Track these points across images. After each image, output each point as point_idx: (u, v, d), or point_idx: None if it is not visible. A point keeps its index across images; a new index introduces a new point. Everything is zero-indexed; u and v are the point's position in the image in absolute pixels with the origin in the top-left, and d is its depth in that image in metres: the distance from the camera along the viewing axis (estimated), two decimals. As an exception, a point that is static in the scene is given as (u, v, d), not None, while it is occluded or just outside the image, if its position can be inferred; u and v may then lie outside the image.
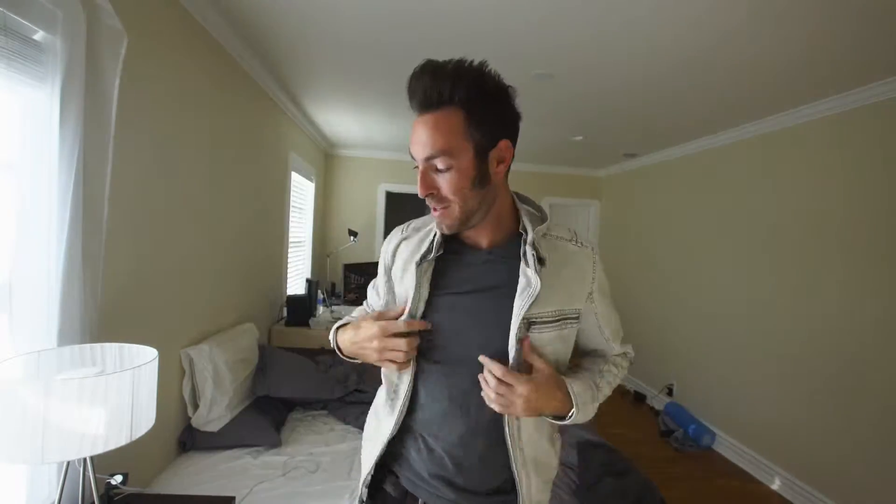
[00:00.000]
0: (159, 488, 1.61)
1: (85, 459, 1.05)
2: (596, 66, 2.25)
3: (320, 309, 3.64)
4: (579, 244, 0.83)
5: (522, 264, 0.75)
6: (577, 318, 0.82)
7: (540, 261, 0.74)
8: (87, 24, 1.15)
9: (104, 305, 1.32)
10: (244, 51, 2.30)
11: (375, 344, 0.76)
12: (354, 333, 0.82)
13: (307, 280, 3.80)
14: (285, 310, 3.32)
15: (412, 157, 0.73)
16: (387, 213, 5.00)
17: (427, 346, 0.79)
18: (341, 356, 0.90)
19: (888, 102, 2.18)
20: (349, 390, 2.36)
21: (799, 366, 2.60)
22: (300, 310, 3.23)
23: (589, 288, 0.82)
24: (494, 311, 0.76)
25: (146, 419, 1.05)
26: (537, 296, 0.72)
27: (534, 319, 0.75)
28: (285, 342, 3.06)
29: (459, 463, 0.80)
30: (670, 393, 3.71)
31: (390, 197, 5.03)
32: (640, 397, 4.03)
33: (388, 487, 0.87)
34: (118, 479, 1.32)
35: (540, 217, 0.83)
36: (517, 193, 0.86)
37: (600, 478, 1.88)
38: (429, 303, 0.79)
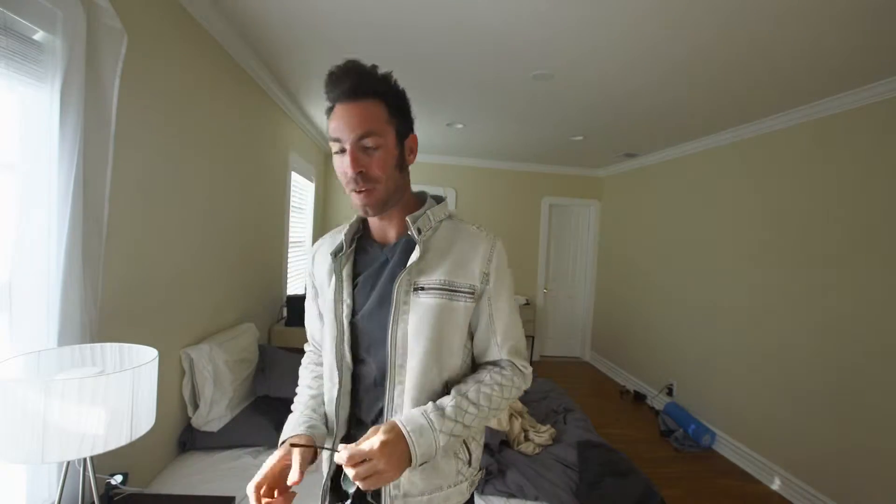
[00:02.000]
0: (159, 488, 1.61)
1: (85, 459, 1.05)
2: (596, 66, 2.25)
3: (320, 309, 3.63)
4: (482, 229, 0.90)
5: (412, 235, 0.85)
6: (473, 294, 0.85)
7: (418, 231, 0.84)
8: (87, 24, 1.15)
9: (104, 305, 1.32)
10: (244, 51, 2.30)
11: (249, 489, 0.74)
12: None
13: (307, 280, 3.79)
14: (285, 310, 3.32)
15: (334, 141, 0.79)
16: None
17: (360, 349, 0.88)
18: None
19: (889, 102, 2.18)
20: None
21: (799, 365, 2.60)
22: (300, 310, 3.22)
23: (484, 267, 0.85)
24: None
25: (146, 419, 1.05)
26: (418, 260, 0.82)
27: (420, 286, 0.82)
28: (285, 342, 3.06)
29: None
30: (670, 393, 3.71)
31: (390, 197, 5.02)
32: (640, 397, 4.03)
33: None
34: (118, 479, 1.32)
35: (446, 206, 0.93)
36: (422, 191, 0.96)
37: (600, 478, 1.88)
38: (355, 303, 0.87)
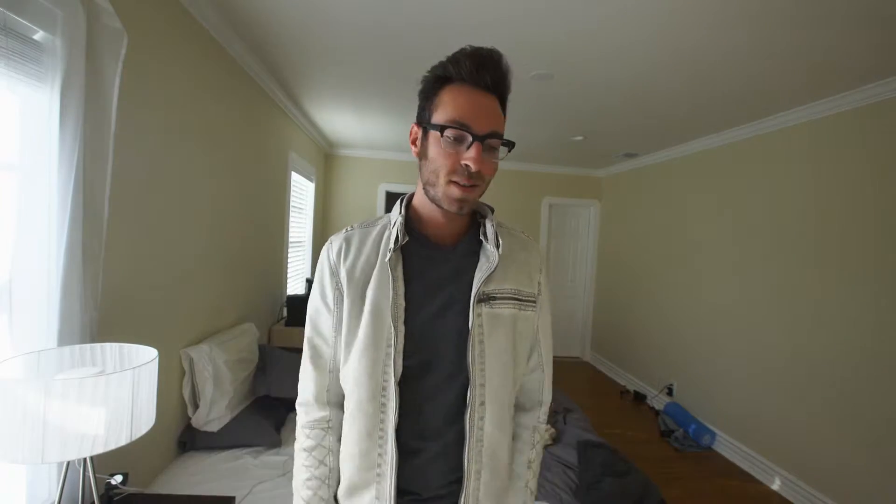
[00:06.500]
0: (159, 488, 1.61)
1: (85, 459, 1.05)
2: (596, 66, 2.25)
3: (320, 309, 3.63)
4: (527, 235, 0.89)
5: (484, 243, 0.78)
6: (535, 304, 0.82)
7: (497, 245, 0.78)
8: (87, 24, 1.15)
9: (104, 305, 1.32)
10: (244, 51, 2.30)
11: None
12: None
13: (307, 280, 3.80)
14: (285, 310, 3.32)
15: (454, 126, 0.69)
16: (387, 213, 4.99)
17: (412, 358, 0.74)
18: None
19: (887, 103, 2.18)
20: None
21: (799, 365, 2.60)
22: (300, 310, 3.22)
23: (538, 277, 0.84)
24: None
25: (146, 419, 1.05)
26: (494, 270, 0.75)
27: (493, 295, 0.77)
28: (285, 342, 3.06)
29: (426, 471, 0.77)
30: (670, 393, 3.71)
31: (390, 197, 5.03)
32: (640, 397, 4.03)
33: None
34: (118, 479, 1.32)
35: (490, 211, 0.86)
36: None
37: (600, 478, 1.88)
38: (408, 305, 0.74)
